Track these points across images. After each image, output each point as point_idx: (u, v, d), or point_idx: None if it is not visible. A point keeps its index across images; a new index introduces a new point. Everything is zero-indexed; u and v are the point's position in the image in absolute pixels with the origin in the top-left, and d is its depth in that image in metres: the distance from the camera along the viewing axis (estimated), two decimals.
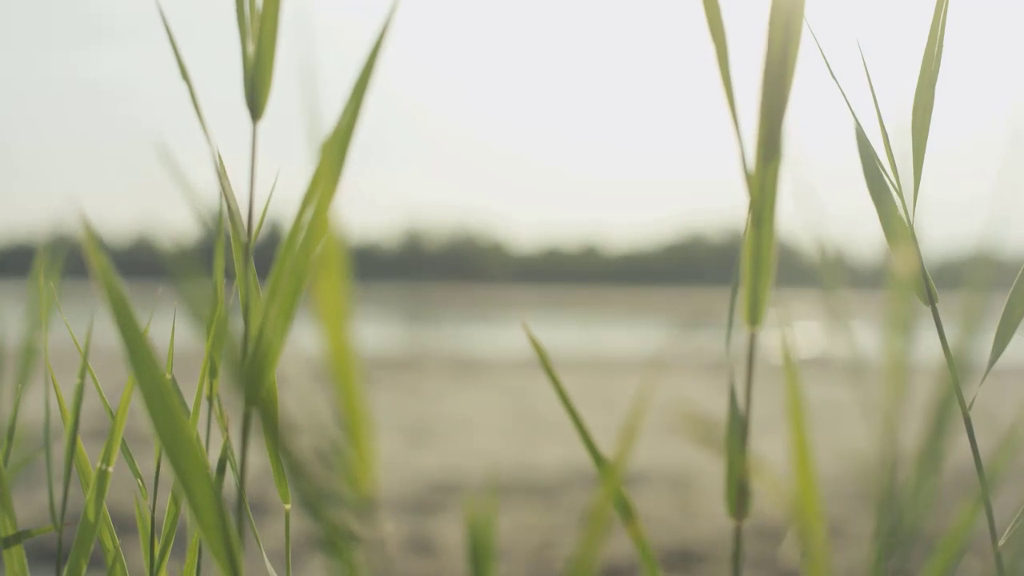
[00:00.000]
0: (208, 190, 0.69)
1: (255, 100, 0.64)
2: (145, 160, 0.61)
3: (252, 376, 0.56)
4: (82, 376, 0.79)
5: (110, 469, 0.79)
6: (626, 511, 0.57)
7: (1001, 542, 0.67)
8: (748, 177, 0.54)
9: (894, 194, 0.75)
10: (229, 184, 0.68)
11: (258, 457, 3.73)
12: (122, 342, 0.52)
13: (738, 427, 0.55)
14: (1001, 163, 0.52)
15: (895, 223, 0.75)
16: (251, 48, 0.64)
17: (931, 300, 0.75)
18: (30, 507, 3.59)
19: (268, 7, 0.64)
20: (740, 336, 0.55)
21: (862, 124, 0.75)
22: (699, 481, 4.64)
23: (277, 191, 0.77)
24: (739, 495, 0.54)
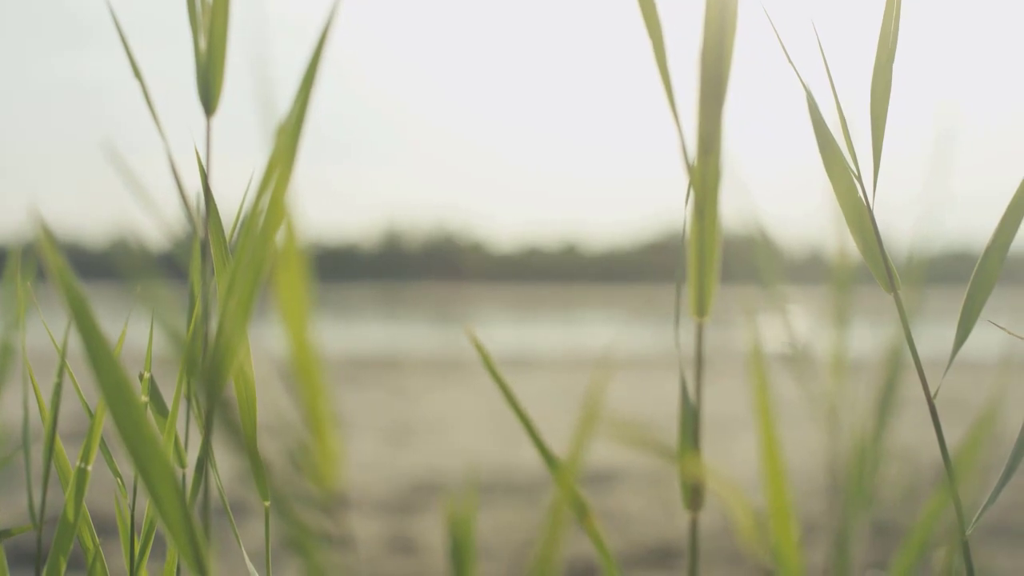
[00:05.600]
0: (192, 190, 0.69)
1: (208, 95, 0.64)
2: (117, 162, 0.62)
3: (213, 371, 0.56)
4: (60, 375, 0.79)
5: (89, 468, 0.79)
6: (582, 511, 0.58)
7: (968, 531, 0.68)
8: (689, 169, 0.54)
9: (851, 170, 0.75)
10: (182, 181, 0.68)
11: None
12: (81, 342, 0.52)
13: (689, 420, 0.55)
14: (930, 161, 0.53)
15: (849, 200, 0.75)
16: (203, 43, 0.64)
17: (893, 287, 0.75)
18: (10, 510, 3.57)
19: (218, 2, 0.64)
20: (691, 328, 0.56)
21: (815, 100, 0.75)
22: (677, 478, 4.64)
23: (245, 189, 0.78)
24: (693, 488, 0.55)
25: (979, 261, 0.76)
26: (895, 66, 0.76)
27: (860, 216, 0.75)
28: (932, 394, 0.74)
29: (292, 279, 0.45)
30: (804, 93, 0.75)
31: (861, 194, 0.75)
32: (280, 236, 0.46)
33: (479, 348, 0.62)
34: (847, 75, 0.77)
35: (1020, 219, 0.76)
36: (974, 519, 0.70)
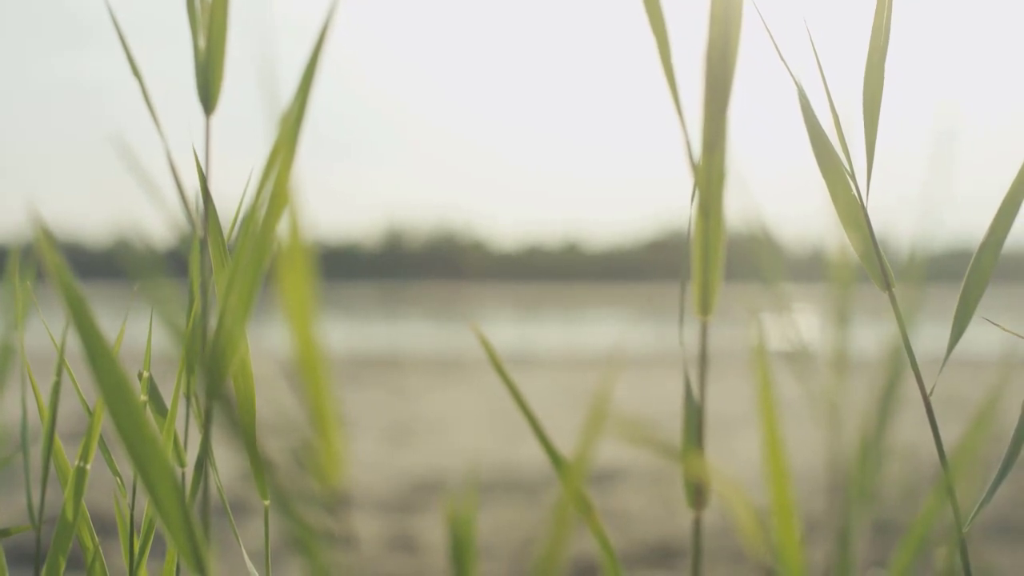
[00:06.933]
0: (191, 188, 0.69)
1: (207, 94, 0.64)
2: (126, 155, 0.62)
3: (212, 368, 0.56)
4: (59, 373, 0.79)
5: (88, 467, 0.79)
6: (586, 509, 0.57)
7: (965, 529, 0.68)
8: (694, 167, 0.54)
9: (844, 167, 0.75)
10: (181, 180, 0.68)
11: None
12: (80, 341, 0.52)
13: (694, 418, 0.55)
14: (929, 161, 0.53)
15: (844, 198, 0.75)
16: (202, 42, 0.64)
17: (888, 285, 0.75)
18: (9, 510, 3.57)
19: (217, 0, 0.64)
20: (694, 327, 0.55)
21: (808, 98, 0.75)
22: (679, 476, 4.64)
23: (245, 185, 0.78)
24: (697, 487, 0.55)
25: (973, 258, 0.76)
26: (891, 65, 0.76)
27: (855, 214, 0.75)
28: (928, 392, 0.74)
29: (297, 273, 0.45)
30: (797, 91, 0.75)
31: (855, 192, 0.75)
32: (283, 231, 0.45)
33: (486, 345, 0.62)
34: (843, 74, 0.77)
35: (1014, 216, 0.76)
36: (971, 516, 0.70)
